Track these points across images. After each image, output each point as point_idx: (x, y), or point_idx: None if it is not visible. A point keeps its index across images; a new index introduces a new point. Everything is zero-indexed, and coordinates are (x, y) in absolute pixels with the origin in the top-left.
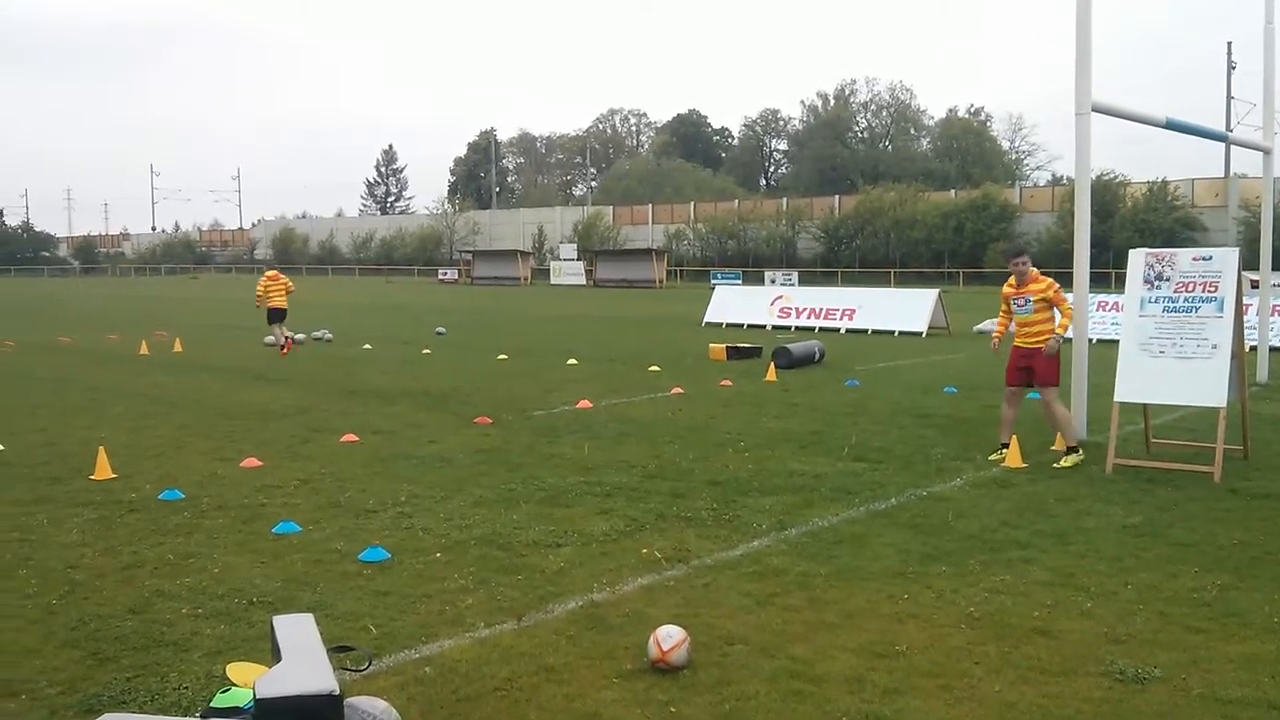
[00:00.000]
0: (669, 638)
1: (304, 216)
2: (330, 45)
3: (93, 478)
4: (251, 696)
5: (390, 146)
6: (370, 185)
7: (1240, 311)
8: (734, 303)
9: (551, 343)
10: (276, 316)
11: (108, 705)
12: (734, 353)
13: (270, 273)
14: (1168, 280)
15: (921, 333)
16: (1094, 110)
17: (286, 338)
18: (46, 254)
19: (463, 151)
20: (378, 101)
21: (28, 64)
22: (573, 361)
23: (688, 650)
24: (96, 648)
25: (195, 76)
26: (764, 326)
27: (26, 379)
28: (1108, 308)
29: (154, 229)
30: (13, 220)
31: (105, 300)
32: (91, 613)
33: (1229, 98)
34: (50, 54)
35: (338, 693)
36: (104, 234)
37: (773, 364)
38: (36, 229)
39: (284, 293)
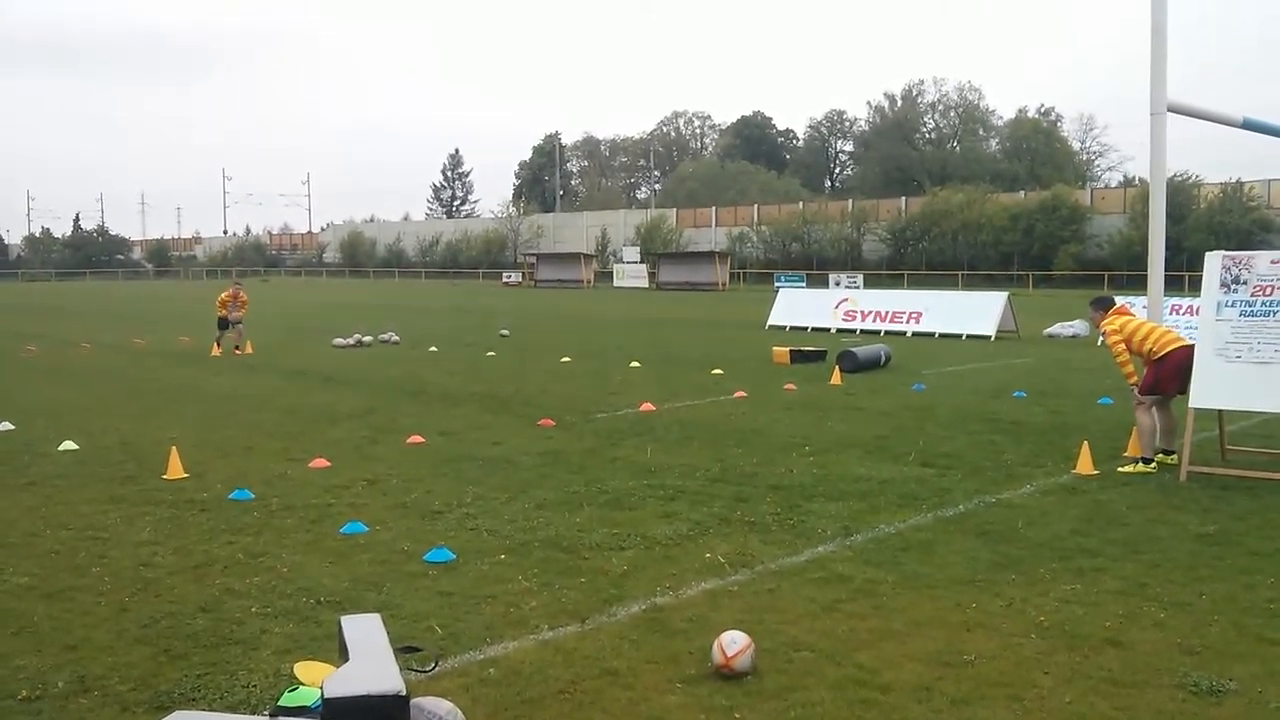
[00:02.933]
0: (733, 643)
1: (371, 220)
2: (396, 50)
3: (165, 477)
4: (319, 696)
5: (456, 150)
6: (436, 189)
7: None
8: (798, 306)
9: (614, 345)
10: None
11: (178, 702)
12: (798, 356)
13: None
14: (1245, 283)
15: (990, 336)
16: (1169, 110)
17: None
18: (121, 257)
19: (527, 155)
20: (444, 106)
21: (102, 70)
22: (635, 364)
23: (752, 656)
24: (167, 645)
25: (265, 81)
26: (828, 330)
27: (102, 380)
28: (1181, 311)
29: (225, 232)
30: (88, 224)
31: (178, 302)
32: (163, 610)
33: None
34: (124, 61)
35: (404, 693)
36: (176, 237)
37: (837, 368)
38: (111, 232)
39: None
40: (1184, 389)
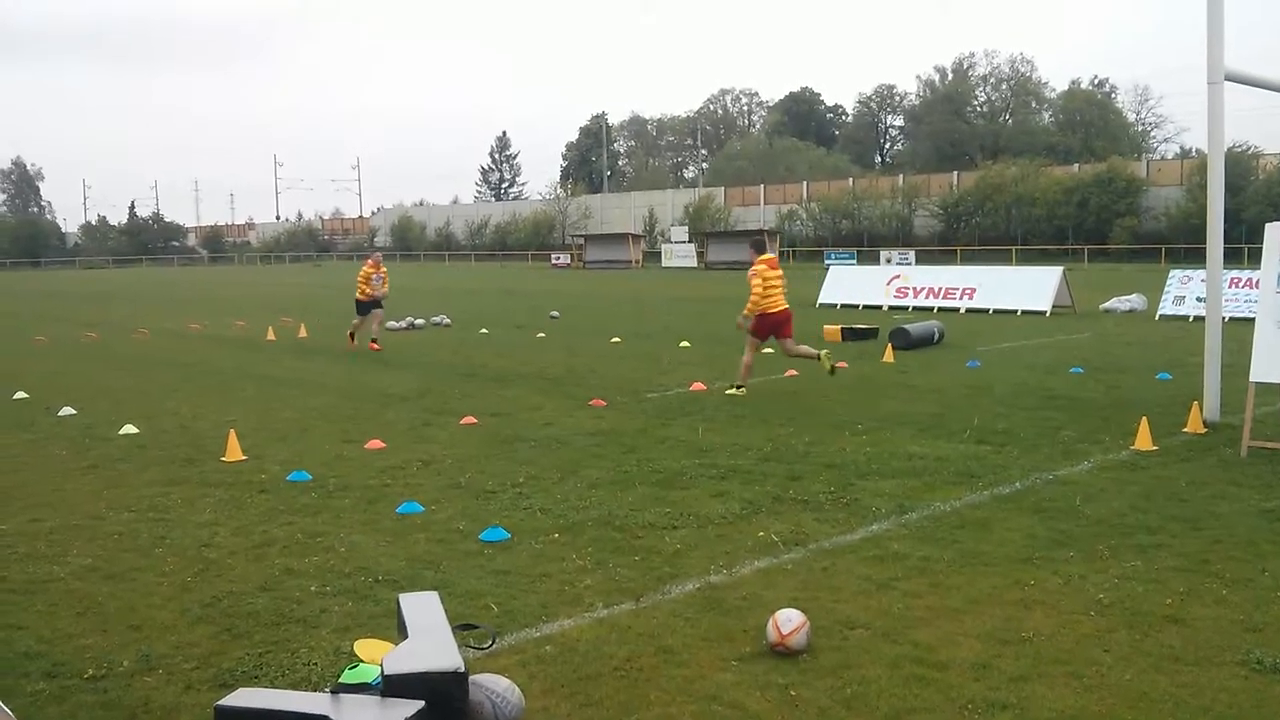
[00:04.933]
0: (788, 621)
1: (421, 204)
2: (443, 33)
3: (224, 459)
4: (379, 672)
5: (504, 133)
6: (485, 172)
7: None
8: (849, 283)
9: (664, 325)
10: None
11: (241, 680)
12: (849, 334)
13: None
14: None
15: (1045, 312)
16: (1227, 79)
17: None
18: (176, 243)
19: (574, 136)
20: (491, 88)
21: (159, 57)
22: (685, 344)
23: (807, 634)
24: (229, 624)
25: (313, 68)
26: (880, 307)
27: (160, 365)
28: (1241, 284)
29: (278, 218)
30: (144, 211)
31: (232, 288)
32: (224, 590)
33: None
34: (177, 47)
35: (463, 670)
36: (230, 223)
37: (890, 345)
38: (166, 219)
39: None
40: (772, 339)
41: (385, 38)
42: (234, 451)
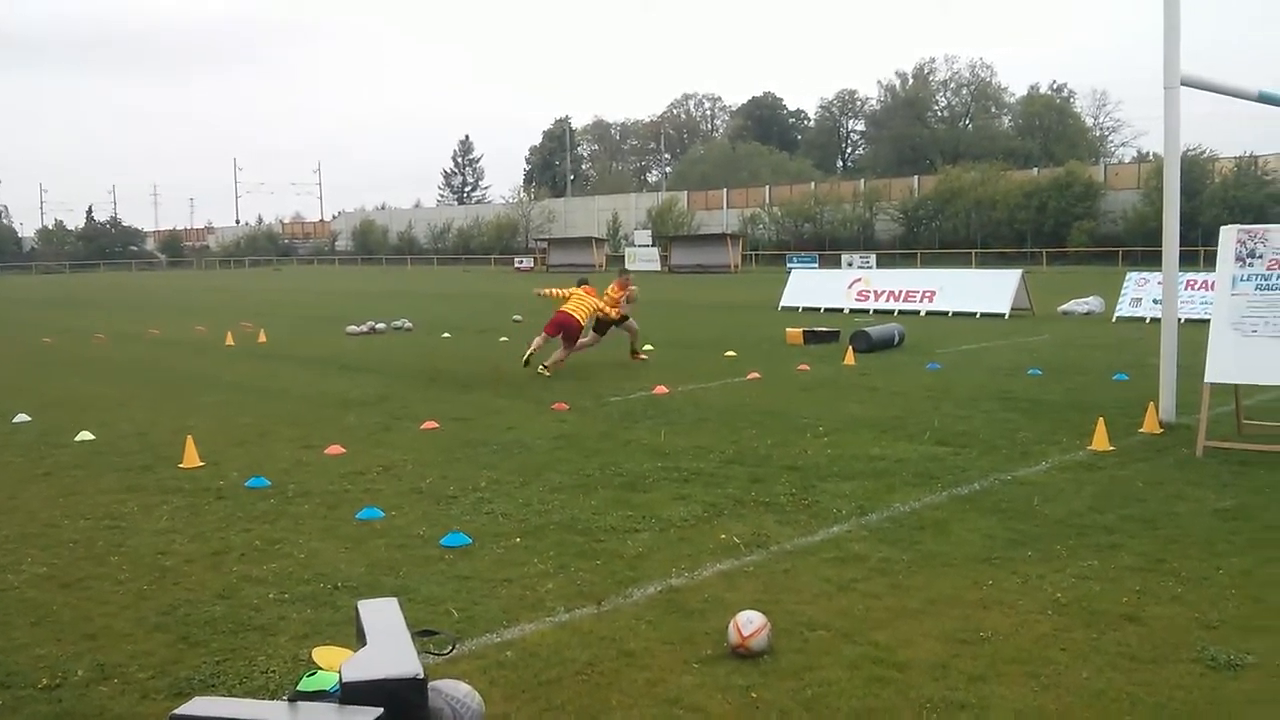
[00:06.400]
0: (749, 623)
1: (383, 208)
2: (404, 36)
3: (181, 466)
4: (337, 680)
5: (467, 137)
6: (447, 175)
7: None
8: (811, 286)
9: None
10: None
11: (197, 688)
12: (811, 337)
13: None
14: (1260, 257)
15: (1004, 314)
16: (1183, 84)
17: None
18: (134, 248)
19: (538, 140)
20: (454, 92)
21: (115, 62)
22: (649, 347)
23: (768, 636)
24: (186, 632)
25: (274, 71)
26: (841, 310)
27: (118, 371)
28: (1197, 286)
29: (238, 222)
30: (101, 215)
31: (191, 293)
32: (181, 598)
33: None
34: (135, 53)
35: (422, 676)
36: (189, 228)
37: (851, 348)
38: (124, 223)
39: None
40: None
41: (347, 40)
42: (192, 458)
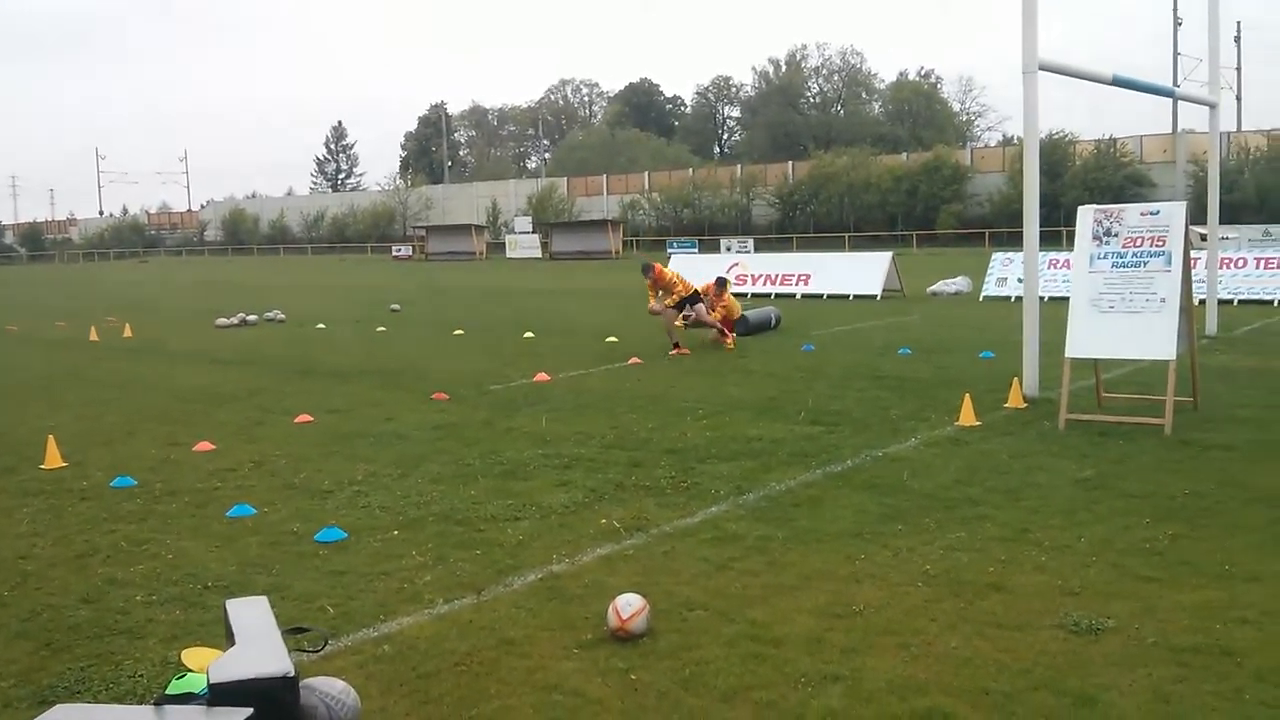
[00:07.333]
0: (628, 606)
1: (253, 196)
2: (274, 20)
3: (43, 467)
4: (206, 681)
5: (340, 123)
6: (320, 163)
7: (1188, 264)
8: (691, 272)
9: (508, 317)
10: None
11: (61, 695)
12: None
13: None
14: (1116, 236)
15: (876, 296)
16: (1041, 69)
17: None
18: None
19: (413, 125)
20: (325, 76)
21: None
22: (529, 335)
23: (647, 618)
24: (49, 638)
25: (135, 57)
26: None
27: None
28: (1059, 265)
29: (101, 213)
30: None
31: (53, 287)
32: (44, 603)
33: (1176, 53)
34: None
35: (293, 674)
36: (50, 220)
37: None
38: None
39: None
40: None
41: (210, 26)
42: (54, 458)
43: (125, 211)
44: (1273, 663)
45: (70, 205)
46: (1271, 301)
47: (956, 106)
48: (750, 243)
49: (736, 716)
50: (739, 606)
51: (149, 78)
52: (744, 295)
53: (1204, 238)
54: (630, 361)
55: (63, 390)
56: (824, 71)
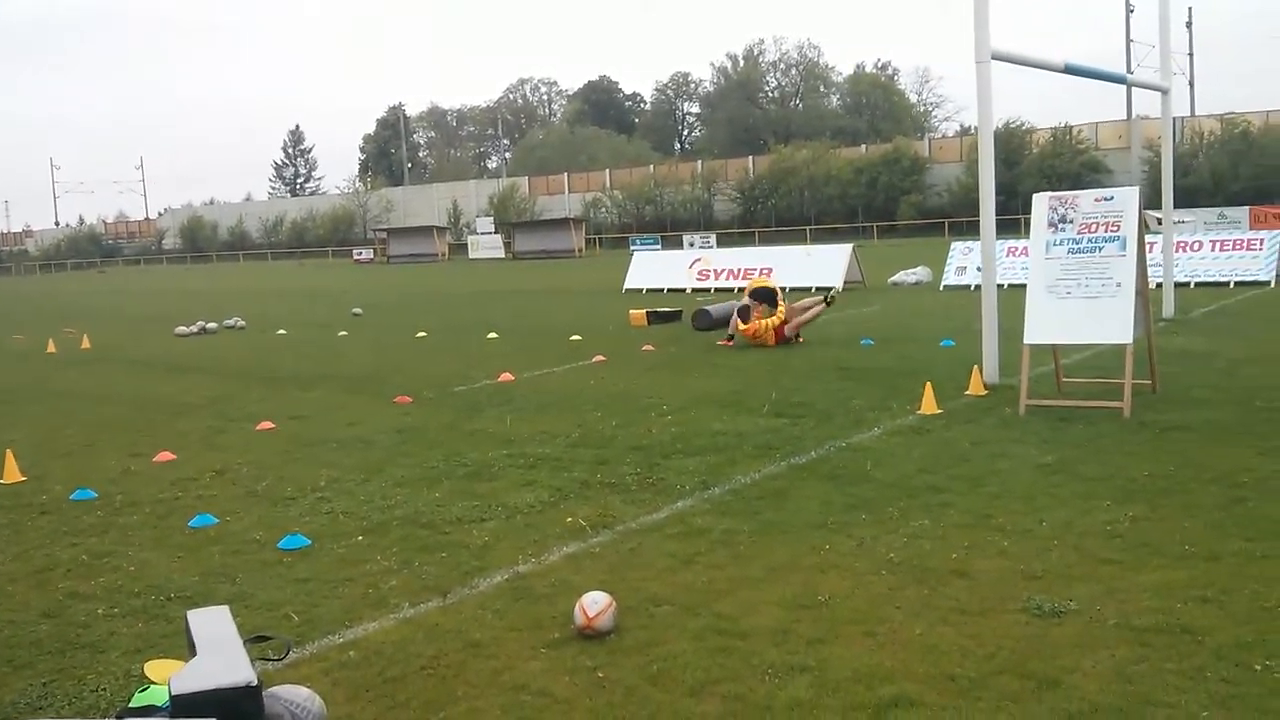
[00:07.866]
0: (594, 604)
1: (211, 203)
2: (229, 25)
3: (2, 481)
4: (168, 694)
5: (297, 126)
6: (278, 167)
7: (1143, 249)
8: (653, 268)
9: (471, 318)
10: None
11: (24, 712)
12: (654, 317)
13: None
14: (1071, 222)
15: (838, 287)
16: (994, 58)
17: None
18: None
19: (371, 128)
20: (280, 80)
21: None
22: (493, 335)
23: (613, 615)
24: (10, 655)
25: (89, 65)
26: (684, 290)
27: None
28: (1017, 253)
29: (57, 224)
30: None
31: (8, 299)
32: (3, 619)
33: (1128, 40)
34: None
35: (256, 683)
36: (5, 231)
37: (693, 326)
38: None
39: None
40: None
41: (163, 32)
42: (12, 473)
43: (82, 221)
44: (1233, 640)
45: (25, 217)
46: (1227, 284)
47: (914, 98)
48: (713, 238)
49: (704, 710)
50: (705, 600)
51: (103, 86)
52: (707, 290)
53: (1160, 221)
54: (595, 359)
55: (21, 403)
56: (782, 66)
